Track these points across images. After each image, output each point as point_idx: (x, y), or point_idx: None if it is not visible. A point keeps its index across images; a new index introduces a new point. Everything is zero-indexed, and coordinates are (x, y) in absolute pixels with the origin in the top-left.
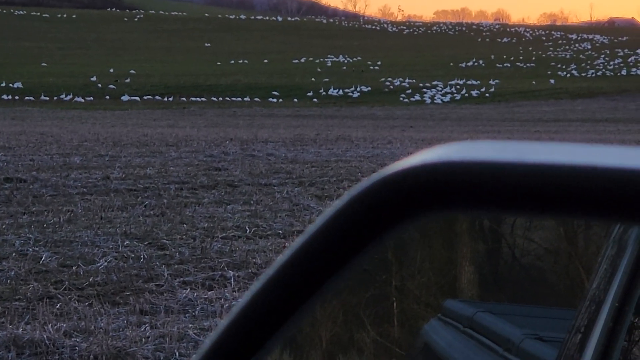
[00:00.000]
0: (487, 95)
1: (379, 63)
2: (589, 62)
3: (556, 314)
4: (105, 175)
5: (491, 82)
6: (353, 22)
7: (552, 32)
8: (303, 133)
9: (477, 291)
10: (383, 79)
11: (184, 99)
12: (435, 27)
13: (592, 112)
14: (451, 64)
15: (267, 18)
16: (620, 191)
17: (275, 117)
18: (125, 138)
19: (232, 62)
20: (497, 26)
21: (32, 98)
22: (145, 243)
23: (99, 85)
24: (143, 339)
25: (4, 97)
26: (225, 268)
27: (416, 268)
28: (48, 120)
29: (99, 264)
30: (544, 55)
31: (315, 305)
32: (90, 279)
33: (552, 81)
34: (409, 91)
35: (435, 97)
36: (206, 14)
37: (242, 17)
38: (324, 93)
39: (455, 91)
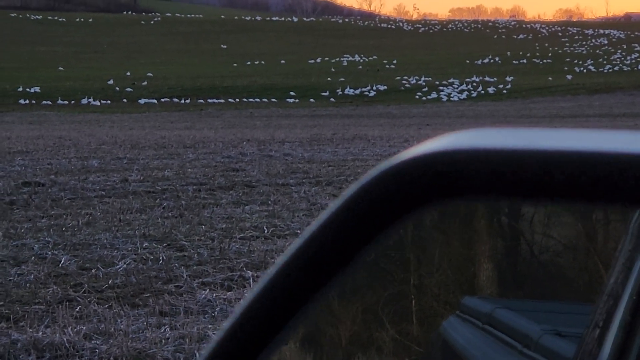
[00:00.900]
0: (503, 92)
1: (394, 62)
2: (605, 57)
3: (574, 309)
4: (124, 177)
5: (507, 78)
6: (368, 22)
7: (568, 28)
8: (320, 133)
9: (496, 288)
10: (399, 78)
11: (201, 100)
12: (450, 25)
13: (610, 107)
14: (467, 61)
15: (283, 19)
16: (633, 175)
17: (291, 117)
18: (143, 140)
19: (249, 63)
20: (512, 23)
21: (49, 102)
22: (164, 245)
23: (116, 88)
24: (163, 341)
25: (21, 101)
26: (244, 268)
27: (434, 266)
28: (66, 124)
29: (118, 266)
30: (560, 51)
31: (327, 296)
32: (110, 282)
33: (569, 77)
34: (425, 89)
35: (451, 95)
36: (222, 16)
37: (258, 18)
38: (340, 92)
39: (471, 88)
